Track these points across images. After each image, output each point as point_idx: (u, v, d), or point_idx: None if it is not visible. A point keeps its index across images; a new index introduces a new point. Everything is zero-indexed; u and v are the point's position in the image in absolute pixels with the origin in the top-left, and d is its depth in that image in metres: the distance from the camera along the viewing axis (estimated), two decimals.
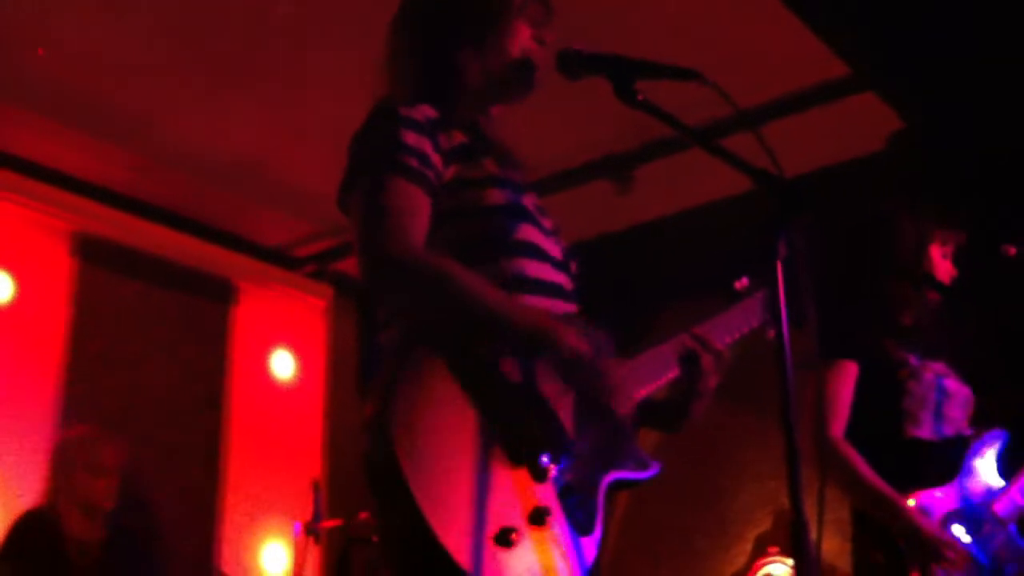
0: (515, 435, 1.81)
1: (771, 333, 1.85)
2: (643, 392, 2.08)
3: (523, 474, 1.80)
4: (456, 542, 1.67)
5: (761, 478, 5.53)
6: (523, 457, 1.81)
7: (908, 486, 2.93)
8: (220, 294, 6.06)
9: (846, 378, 3.03)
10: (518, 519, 1.75)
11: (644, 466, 2.02)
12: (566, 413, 1.92)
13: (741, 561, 5.48)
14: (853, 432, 3.01)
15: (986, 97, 4.38)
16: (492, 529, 1.72)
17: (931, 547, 2.81)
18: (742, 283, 2.42)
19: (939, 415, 3.04)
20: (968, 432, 3.08)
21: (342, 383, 6.22)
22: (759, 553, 5.37)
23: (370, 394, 1.79)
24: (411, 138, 1.96)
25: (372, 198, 1.92)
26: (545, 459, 1.83)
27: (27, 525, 4.07)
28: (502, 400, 1.83)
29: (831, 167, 4.93)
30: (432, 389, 1.78)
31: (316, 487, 4.94)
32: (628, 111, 1.90)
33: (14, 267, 5.16)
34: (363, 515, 4.58)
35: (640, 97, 1.87)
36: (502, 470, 1.78)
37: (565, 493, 1.85)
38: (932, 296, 3.17)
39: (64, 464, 4.15)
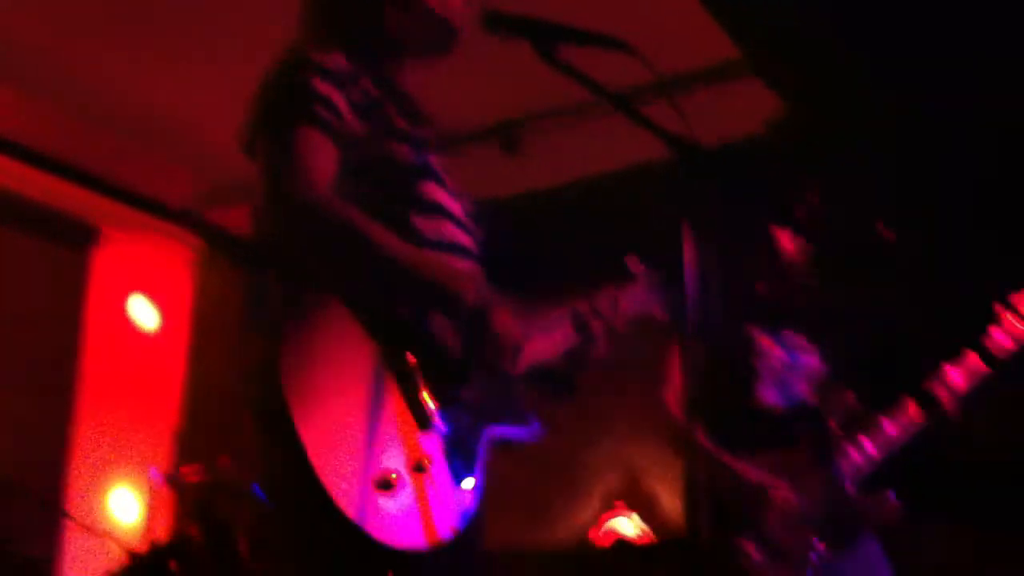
0: (404, 382, 1.85)
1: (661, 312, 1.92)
2: (535, 356, 2.12)
3: (409, 421, 1.84)
4: (339, 486, 1.70)
5: (614, 441, 5.66)
6: (410, 404, 1.85)
7: (750, 453, 3.03)
8: (80, 237, 5.84)
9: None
10: (400, 464, 1.80)
11: (526, 424, 2.09)
12: (456, 365, 1.95)
13: (588, 515, 5.61)
14: (707, 403, 3.05)
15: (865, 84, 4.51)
16: (374, 474, 1.76)
17: None
18: (634, 261, 2.48)
19: (783, 386, 3.15)
20: (814, 402, 3.16)
21: (206, 335, 6.10)
22: (606, 507, 5.52)
23: (259, 335, 1.81)
24: (323, 87, 1.96)
25: (282, 146, 1.92)
26: (431, 407, 1.88)
27: None
28: (393, 347, 1.86)
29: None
30: (324, 333, 1.81)
31: (175, 435, 4.85)
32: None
33: None
34: (223, 461, 4.45)
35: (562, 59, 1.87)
36: (389, 416, 1.82)
37: (448, 442, 1.90)
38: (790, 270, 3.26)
39: None
